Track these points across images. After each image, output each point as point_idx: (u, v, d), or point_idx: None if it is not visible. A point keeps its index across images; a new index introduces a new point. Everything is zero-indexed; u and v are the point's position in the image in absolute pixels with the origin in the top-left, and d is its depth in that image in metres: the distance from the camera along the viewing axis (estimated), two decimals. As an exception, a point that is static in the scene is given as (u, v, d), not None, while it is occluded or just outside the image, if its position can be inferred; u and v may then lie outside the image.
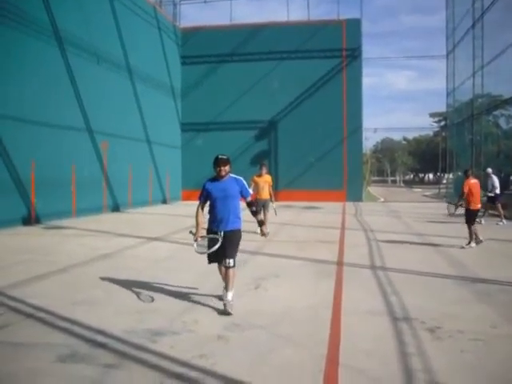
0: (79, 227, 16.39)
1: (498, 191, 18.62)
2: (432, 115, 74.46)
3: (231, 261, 6.59)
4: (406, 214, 22.44)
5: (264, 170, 15.14)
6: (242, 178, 7.02)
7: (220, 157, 6.84)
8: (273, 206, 14.68)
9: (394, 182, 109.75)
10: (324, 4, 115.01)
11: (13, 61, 16.71)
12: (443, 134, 51.12)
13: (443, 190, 41.15)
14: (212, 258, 6.85)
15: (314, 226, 16.88)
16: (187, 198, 31.69)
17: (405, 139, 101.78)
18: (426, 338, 5.41)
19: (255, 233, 12.53)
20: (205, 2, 35.24)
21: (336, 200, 29.74)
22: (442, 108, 49.25)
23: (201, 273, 8.85)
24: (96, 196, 21.78)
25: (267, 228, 11.18)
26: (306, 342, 5.32)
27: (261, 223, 7.41)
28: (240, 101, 32.19)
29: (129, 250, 11.74)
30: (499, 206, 18.41)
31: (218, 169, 6.81)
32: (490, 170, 19.36)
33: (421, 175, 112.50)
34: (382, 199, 36.93)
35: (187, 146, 33.40)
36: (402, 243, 12.85)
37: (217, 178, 6.89)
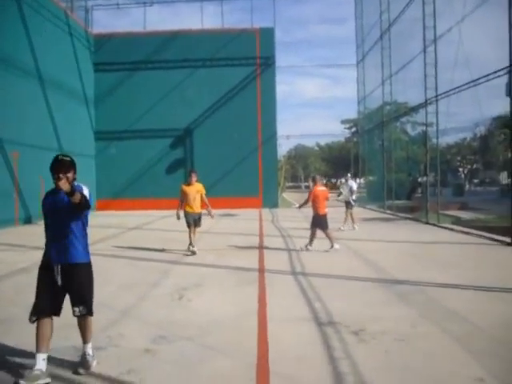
0: (-11, 241, 15.71)
1: (354, 197, 18.75)
2: (343, 122, 76.18)
3: (82, 308, 4.91)
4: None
5: (194, 178, 13.01)
6: (84, 186, 5.12)
7: (60, 158, 4.89)
8: (211, 213, 13.19)
9: (307, 187, 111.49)
10: (237, 12, 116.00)
11: None
12: (354, 139, 52.53)
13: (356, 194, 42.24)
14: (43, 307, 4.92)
15: (233, 234, 16.94)
16: (103, 207, 30.98)
17: (317, 145, 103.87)
18: (351, 341, 5.57)
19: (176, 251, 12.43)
20: (118, 7, 34.73)
21: (253, 207, 29.95)
22: (353, 115, 50.78)
23: (123, 284, 8.75)
24: (7, 208, 20.92)
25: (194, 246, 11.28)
26: (234, 351, 5.35)
27: None
28: (155, 109, 31.86)
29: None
30: (352, 212, 18.36)
31: (56, 176, 4.74)
32: (348, 176, 20.15)
33: (333, 180, 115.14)
34: (297, 205, 37.58)
35: (101, 154, 32.66)
36: (319, 249, 13.10)
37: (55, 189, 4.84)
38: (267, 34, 32.94)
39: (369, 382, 4.45)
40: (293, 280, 9.04)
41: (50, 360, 5.01)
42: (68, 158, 4.90)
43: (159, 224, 20.49)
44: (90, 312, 4.94)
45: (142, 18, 34.77)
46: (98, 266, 10.76)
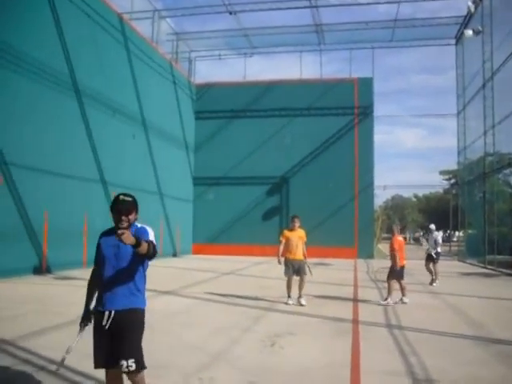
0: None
1: (439, 249, 17.63)
2: (442, 173, 74.38)
3: (131, 362, 4.32)
4: (417, 271, 22.16)
5: (297, 223, 12.01)
6: (148, 228, 4.57)
7: (122, 198, 4.40)
8: (307, 265, 12.07)
9: (404, 239, 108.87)
10: (336, 62, 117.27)
11: (31, 111, 17.01)
12: (453, 191, 51.04)
13: (454, 248, 40.82)
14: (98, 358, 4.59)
15: (327, 283, 16.67)
16: (198, 251, 31.65)
17: (415, 196, 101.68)
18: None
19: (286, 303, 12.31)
20: (219, 58, 35.98)
21: (347, 257, 29.53)
22: (452, 166, 49.41)
23: (215, 328, 8.76)
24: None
25: (303, 299, 10.94)
26: (326, 402, 5.17)
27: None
28: (252, 156, 32.48)
29: (141, 303, 11.58)
30: (437, 265, 17.37)
31: (117, 218, 4.39)
32: (432, 226, 18.55)
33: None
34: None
35: (199, 199, 33.54)
36: (417, 303, 12.64)
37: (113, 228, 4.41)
38: (366, 84, 33.01)
39: None
40: (387, 333, 8.73)
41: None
42: (130, 198, 4.40)
43: (252, 270, 20.54)
44: (141, 367, 4.44)
45: (242, 68, 35.79)
46: (192, 310, 10.94)
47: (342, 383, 5.77)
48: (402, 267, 12.55)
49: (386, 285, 12.77)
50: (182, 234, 30.95)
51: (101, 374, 5.80)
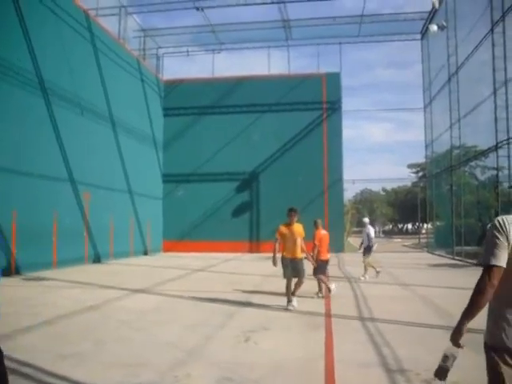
0: (61, 278, 16.12)
1: (371, 243, 17.26)
2: (410, 166, 75.33)
3: None
4: (387, 263, 22.47)
5: (295, 217, 10.92)
6: None
7: None
8: (311, 260, 11.86)
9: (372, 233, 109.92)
10: (304, 58, 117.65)
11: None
12: (421, 184, 51.67)
13: (423, 240, 41.41)
14: None
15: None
16: (169, 248, 31.51)
17: (383, 190, 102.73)
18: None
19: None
20: (187, 55, 35.84)
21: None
22: (420, 159, 50.05)
23: (189, 325, 8.79)
24: (77, 247, 21.53)
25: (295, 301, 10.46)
26: (302, 395, 5.23)
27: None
28: (221, 152, 32.44)
29: (114, 302, 11.55)
30: (368, 259, 16.90)
31: None
32: (366, 220, 18.20)
33: (400, 225, 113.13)
34: (360, 250, 36.94)
35: (168, 196, 33.39)
36: (387, 295, 12.82)
37: None
38: (333, 79, 33.19)
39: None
40: (360, 325, 8.84)
41: None
42: None
43: (224, 267, 20.56)
44: None
45: (210, 64, 35.69)
46: (165, 307, 10.93)
47: (316, 376, 5.83)
48: (324, 261, 12.55)
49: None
50: (152, 231, 30.80)
51: (73, 374, 5.81)
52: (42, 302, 11.54)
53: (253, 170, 32.90)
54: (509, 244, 3.03)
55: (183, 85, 34.22)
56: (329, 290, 12.32)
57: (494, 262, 3.04)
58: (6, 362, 6.24)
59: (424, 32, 32.96)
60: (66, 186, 20.84)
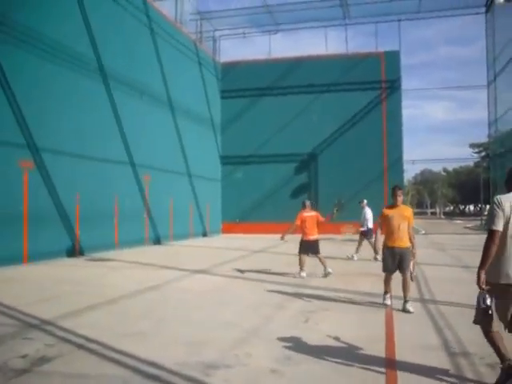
0: (123, 259, 16.51)
1: (370, 225, 17.08)
2: (472, 146, 73.59)
3: None
4: (449, 245, 22.04)
5: (400, 197, 8.63)
6: None
7: None
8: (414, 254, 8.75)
9: (433, 213, 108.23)
10: (361, 36, 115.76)
11: (59, 96, 17.16)
12: (484, 164, 50.33)
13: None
14: None
15: (360, 259, 16.62)
16: (227, 230, 31.79)
17: (444, 170, 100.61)
18: (487, 374, 5.20)
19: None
20: (244, 37, 35.79)
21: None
22: (482, 138, 48.66)
23: (249, 305, 8.83)
24: (138, 228, 21.98)
25: (409, 305, 8.37)
26: (362, 376, 5.18)
27: None
28: (279, 134, 32.38)
29: (174, 282, 11.75)
30: (372, 241, 15.79)
31: None
32: (365, 202, 17.78)
33: (461, 207, 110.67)
34: (423, 231, 36.34)
35: (227, 178, 33.65)
36: (449, 277, 12.55)
37: None
38: (392, 58, 32.54)
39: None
40: (421, 307, 8.68)
41: (180, 374, 5.12)
42: None
43: (283, 248, 20.53)
44: None
45: (266, 46, 35.55)
46: (225, 288, 11.03)
47: (377, 357, 5.76)
48: (308, 241, 12.60)
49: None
50: (211, 213, 31.12)
51: (136, 351, 5.93)
52: (105, 282, 11.84)
53: (311, 152, 32.74)
54: (504, 215, 4.63)
55: (240, 67, 34.24)
56: (299, 272, 12.56)
57: (494, 228, 4.63)
58: (74, 338, 6.47)
59: (489, 5, 31.81)
60: (127, 168, 21.26)
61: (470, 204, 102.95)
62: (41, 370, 5.35)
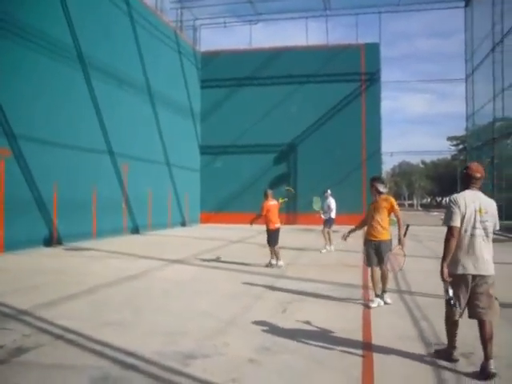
0: (101, 249, 16.45)
1: (333, 215, 17.18)
2: (450, 139, 74.09)
3: None
4: (425, 237, 22.29)
5: (381, 189, 8.63)
6: None
7: None
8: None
9: (411, 205, 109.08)
10: (342, 28, 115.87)
11: (36, 83, 16.94)
12: (461, 157, 50.82)
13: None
14: None
15: (335, 250, 16.74)
16: (206, 220, 31.79)
17: (422, 163, 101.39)
18: (461, 364, 5.30)
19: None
20: (224, 26, 35.62)
21: (355, 223, 29.52)
22: (460, 131, 49.09)
23: (226, 295, 8.88)
24: (116, 218, 21.88)
25: (387, 296, 8.31)
26: (339, 365, 5.26)
27: None
28: (259, 124, 32.38)
29: (154, 272, 11.75)
30: (331, 231, 16.87)
31: None
32: (329, 192, 17.80)
33: (438, 199, 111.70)
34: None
35: (206, 168, 33.61)
36: (425, 268, 12.70)
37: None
38: (372, 50, 32.65)
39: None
40: (397, 298, 8.80)
41: (158, 364, 5.16)
42: None
43: (260, 238, 20.64)
44: None
45: (247, 35, 35.45)
46: (202, 277, 11.06)
47: (354, 348, 5.84)
48: (273, 230, 12.85)
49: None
50: (190, 203, 31.07)
51: (115, 341, 5.93)
52: (84, 272, 11.80)
53: (290, 142, 32.79)
54: (460, 212, 5.11)
55: (220, 56, 34.12)
56: (269, 263, 12.74)
57: (453, 224, 5.12)
58: (52, 329, 6.46)
59: (468, -1, 32.02)
60: (105, 157, 21.13)
61: (447, 196, 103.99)
62: (18, 360, 5.35)
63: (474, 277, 5.12)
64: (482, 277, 5.12)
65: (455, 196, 5.23)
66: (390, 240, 8.49)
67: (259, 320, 7.09)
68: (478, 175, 5.28)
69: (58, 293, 8.90)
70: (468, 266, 5.10)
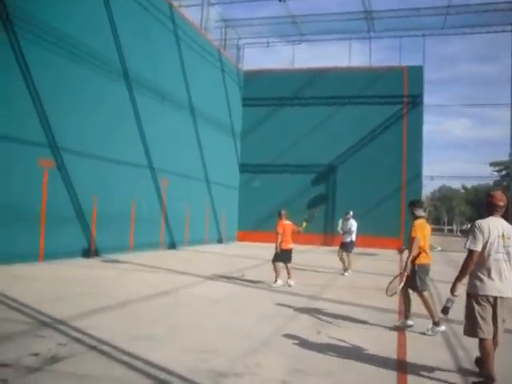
0: (137, 262, 16.56)
1: (353, 238, 16.41)
2: (492, 164, 72.87)
3: None
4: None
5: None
6: None
7: None
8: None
9: (450, 231, 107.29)
10: (385, 50, 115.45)
11: (85, 98, 17.35)
12: (504, 183, 49.87)
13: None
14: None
15: (372, 273, 16.53)
16: (243, 238, 31.81)
17: (463, 188, 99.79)
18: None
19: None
20: (267, 46, 35.89)
21: (392, 247, 29.14)
22: (503, 157, 48.20)
23: (261, 315, 8.81)
24: (154, 232, 22.05)
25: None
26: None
27: None
28: (299, 144, 32.34)
29: (188, 288, 11.76)
30: (350, 255, 16.20)
31: None
32: (351, 213, 16.88)
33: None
34: (440, 248, 36.05)
35: (245, 186, 33.67)
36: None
37: None
38: (415, 72, 32.39)
39: None
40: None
41: (190, 381, 5.13)
42: None
43: (296, 258, 20.54)
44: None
45: (290, 55, 35.62)
46: (238, 296, 11.02)
47: (388, 374, 5.72)
48: (286, 250, 12.83)
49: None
50: (227, 220, 31.13)
51: (147, 355, 5.92)
52: (119, 284, 11.90)
53: (330, 163, 32.64)
54: (483, 237, 5.46)
55: (263, 75, 34.29)
56: (275, 280, 12.70)
57: (474, 248, 5.50)
58: (86, 339, 6.50)
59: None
60: (145, 172, 21.37)
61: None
62: (52, 368, 5.38)
63: (496, 299, 5.44)
64: (503, 299, 5.47)
65: (479, 222, 5.59)
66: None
67: (293, 341, 7.01)
68: (502, 204, 5.68)
69: (93, 304, 8.97)
70: (491, 288, 5.43)
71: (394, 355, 6.54)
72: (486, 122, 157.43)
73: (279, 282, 12.65)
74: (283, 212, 13.31)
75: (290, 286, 12.58)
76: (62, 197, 16.29)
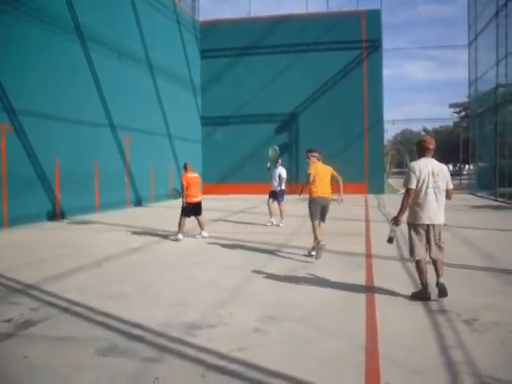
0: (105, 222, 16.52)
1: (283, 186, 15.49)
2: (452, 106, 73.45)
3: None
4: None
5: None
6: None
7: None
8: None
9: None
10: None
11: (35, 57, 16.81)
12: (464, 124, 50.52)
13: (465, 182, 40.78)
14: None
15: (338, 219, 16.75)
16: (208, 191, 31.76)
17: (424, 130, 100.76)
18: (463, 330, 5.35)
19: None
20: (223, -5, 35.18)
21: (357, 192, 29.53)
22: (462, 98, 48.75)
23: (229, 266, 8.93)
24: (119, 191, 21.91)
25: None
26: (343, 333, 5.31)
27: None
28: (260, 94, 32.14)
29: (157, 244, 11.83)
30: (282, 204, 15.42)
31: None
32: (280, 161, 15.95)
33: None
34: (403, 190, 36.77)
35: (207, 139, 33.48)
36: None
37: None
38: (373, 17, 32.23)
39: (483, 372, 4.25)
40: (400, 265, 8.86)
41: (164, 335, 5.22)
42: None
43: (263, 208, 20.72)
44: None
45: (246, 4, 35.02)
46: (205, 249, 11.11)
47: (358, 315, 5.90)
48: (193, 203, 12.77)
49: None
50: (192, 174, 30.94)
51: (121, 314, 5.99)
52: (88, 245, 11.88)
53: (292, 111, 32.61)
54: (416, 177, 6.44)
55: (220, 26, 33.72)
56: (177, 234, 12.58)
57: (410, 186, 6.50)
58: (58, 302, 6.52)
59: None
60: (107, 130, 21.07)
61: (449, 163, 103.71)
62: (26, 333, 5.42)
63: (428, 226, 6.49)
64: (435, 225, 6.51)
65: (412, 164, 6.63)
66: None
67: (264, 290, 7.16)
68: (431, 146, 6.68)
69: (64, 266, 8.97)
70: (424, 218, 6.47)
71: (362, 297, 6.72)
72: (446, 64, 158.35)
73: (179, 236, 12.46)
74: (188, 165, 13.19)
75: (203, 237, 12.61)
76: (22, 161, 15.98)
